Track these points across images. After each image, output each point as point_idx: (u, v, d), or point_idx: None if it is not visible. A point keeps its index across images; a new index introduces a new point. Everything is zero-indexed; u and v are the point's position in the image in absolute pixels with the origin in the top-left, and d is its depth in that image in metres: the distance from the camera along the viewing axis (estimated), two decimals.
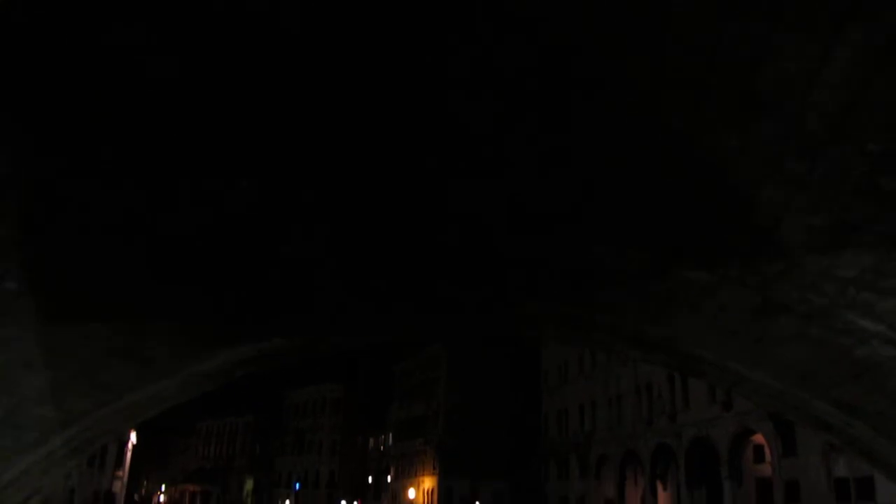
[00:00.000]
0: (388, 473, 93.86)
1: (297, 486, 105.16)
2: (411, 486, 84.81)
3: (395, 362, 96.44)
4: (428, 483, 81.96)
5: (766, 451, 42.17)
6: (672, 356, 11.24)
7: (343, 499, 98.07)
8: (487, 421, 76.81)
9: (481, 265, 8.10)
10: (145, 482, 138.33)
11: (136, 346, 9.55)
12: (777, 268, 7.01)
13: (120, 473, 49.93)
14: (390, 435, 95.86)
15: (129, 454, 50.77)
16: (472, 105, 4.79)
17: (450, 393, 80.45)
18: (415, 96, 4.78)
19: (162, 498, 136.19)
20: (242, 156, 5.79)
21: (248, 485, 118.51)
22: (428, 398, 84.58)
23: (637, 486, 56.92)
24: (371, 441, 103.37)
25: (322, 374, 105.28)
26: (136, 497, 52.51)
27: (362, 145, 5.61)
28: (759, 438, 42.84)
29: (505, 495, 77.14)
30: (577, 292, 8.65)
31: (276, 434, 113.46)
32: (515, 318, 11.06)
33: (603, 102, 4.69)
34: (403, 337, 14.38)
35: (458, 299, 9.74)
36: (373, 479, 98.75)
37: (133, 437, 50.56)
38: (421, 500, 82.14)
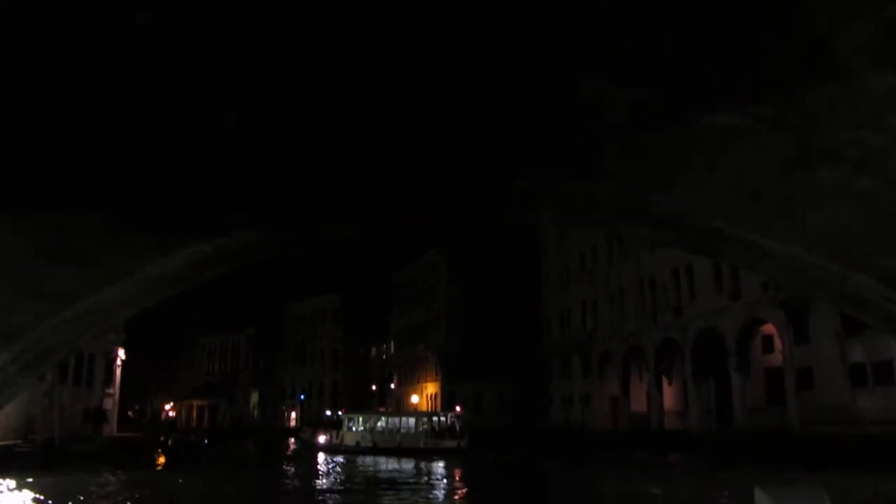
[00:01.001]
0: (392, 381, 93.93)
1: (302, 397, 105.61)
2: (414, 392, 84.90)
3: (394, 270, 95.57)
4: (431, 388, 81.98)
5: (776, 340, 41.36)
6: (683, 232, 9.96)
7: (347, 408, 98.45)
8: (489, 324, 76.28)
9: (454, 126, 6.54)
10: (152, 399, 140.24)
11: (73, 245, 8.21)
12: (827, 96, 5.53)
13: (111, 391, 49.14)
14: (392, 343, 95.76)
15: (118, 371, 49.95)
16: None
17: (450, 298, 79.80)
18: None
19: (171, 413, 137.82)
20: None
21: (254, 398, 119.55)
22: (428, 304, 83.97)
23: (641, 383, 56.46)
24: (373, 350, 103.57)
25: (321, 286, 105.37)
26: (130, 414, 51.69)
27: None
28: (768, 328, 41.97)
29: (509, 397, 77.20)
30: (571, 157, 7.13)
31: (278, 347, 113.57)
32: (503, 197, 9.41)
33: None
34: (381, 226, 12.98)
35: (434, 173, 8.18)
36: (376, 388, 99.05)
37: (122, 353, 49.71)
38: (424, 405, 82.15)
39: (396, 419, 54.92)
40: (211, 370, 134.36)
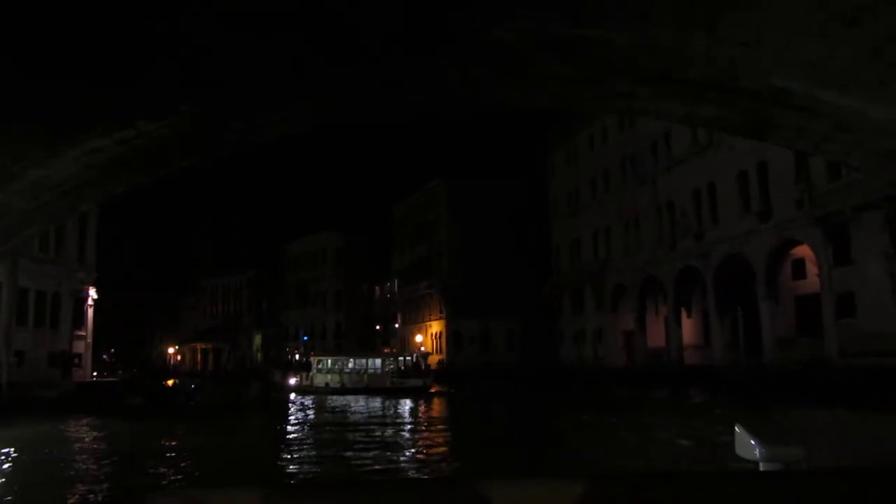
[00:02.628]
0: (396, 321, 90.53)
1: (305, 338, 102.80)
2: (418, 331, 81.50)
3: (395, 204, 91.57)
4: (436, 327, 78.56)
5: (808, 264, 37.37)
6: (734, 101, 7.82)
7: (351, 348, 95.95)
8: (494, 259, 72.59)
9: None
10: (158, 343, 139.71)
11: None
12: None
13: (82, 333, 45.30)
14: (395, 282, 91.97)
15: (90, 312, 45.97)
16: None
17: (452, 232, 75.88)
18: None
19: (178, 357, 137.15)
20: None
21: (257, 340, 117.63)
22: (429, 239, 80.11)
23: (658, 316, 52.81)
24: (377, 289, 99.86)
25: (324, 224, 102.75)
26: (105, 358, 47.71)
27: None
28: (799, 251, 37.98)
29: (517, 334, 73.86)
30: None
31: (279, 288, 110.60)
32: (483, 57, 7.19)
33: None
34: (330, 113, 9.33)
35: (395, 32, 6.30)
36: (380, 328, 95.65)
37: (93, 293, 45.85)
38: (429, 344, 78.81)
39: (364, 360, 56.17)
40: (215, 313, 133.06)
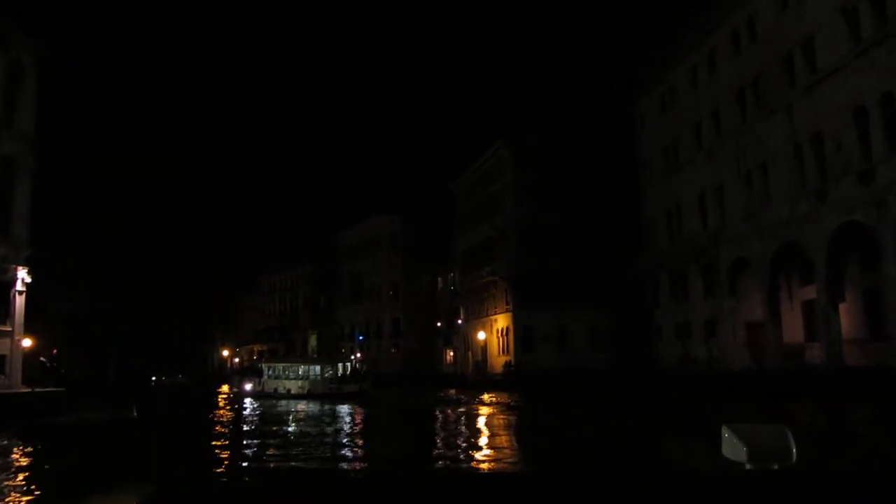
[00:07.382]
0: (459, 316, 77.39)
1: (361, 338, 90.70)
2: (481, 327, 68.14)
3: (454, 179, 78.31)
4: (501, 321, 64.96)
5: None
6: None
7: (409, 348, 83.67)
8: (571, 238, 59.61)
9: None
10: (219, 345, 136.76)
11: None
12: None
13: (6, 328, 33.04)
14: (458, 270, 78.63)
15: (18, 301, 33.50)
16: None
17: (519, 205, 62.34)
18: None
19: (236, 360, 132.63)
20: None
21: (312, 340, 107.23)
22: (493, 216, 66.49)
23: (793, 301, 38.65)
24: (439, 280, 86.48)
25: (379, 209, 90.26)
26: (43, 360, 36.39)
27: None
28: None
29: (602, 330, 60.29)
30: None
31: (336, 283, 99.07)
32: None
33: None
34: None
35: None
36: (442, 324, 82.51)
37: (24, 274, 33.53)
38: (495, 343, 65.45)
39: (306, 367, 58.01)
40: (272, 311, 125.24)
